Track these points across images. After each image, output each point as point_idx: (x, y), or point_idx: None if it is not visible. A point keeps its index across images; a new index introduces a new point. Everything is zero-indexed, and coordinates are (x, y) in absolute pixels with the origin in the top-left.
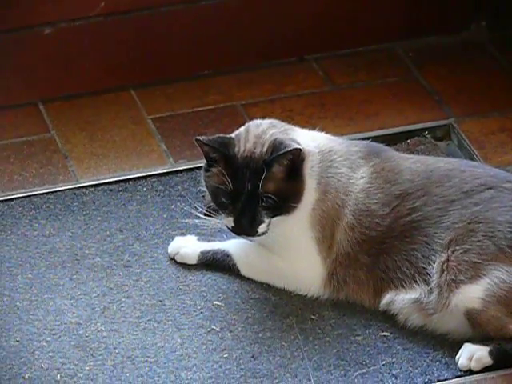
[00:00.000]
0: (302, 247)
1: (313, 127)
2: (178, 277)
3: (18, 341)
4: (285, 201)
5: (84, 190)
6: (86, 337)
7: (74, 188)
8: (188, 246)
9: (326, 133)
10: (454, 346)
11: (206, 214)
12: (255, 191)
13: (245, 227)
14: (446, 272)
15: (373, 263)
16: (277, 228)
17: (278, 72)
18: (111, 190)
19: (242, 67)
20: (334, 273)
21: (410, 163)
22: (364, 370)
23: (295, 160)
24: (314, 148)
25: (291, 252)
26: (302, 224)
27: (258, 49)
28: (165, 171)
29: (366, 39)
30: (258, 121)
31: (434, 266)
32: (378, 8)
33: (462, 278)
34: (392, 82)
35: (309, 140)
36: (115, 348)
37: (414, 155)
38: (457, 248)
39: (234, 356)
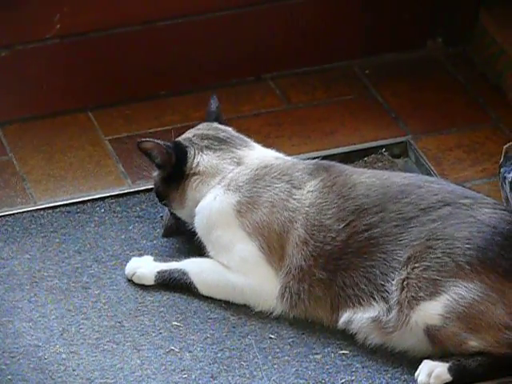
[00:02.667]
0: (247, 256)
1: (270, 146)
2: (137, 298)
3: None
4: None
5: (42, 212)
6: (45, 359)
7: (32, 210)
8: (144, 267)
9: (282, 152)
10: (414, 363)
11: (164, 235)
12: None
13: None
14: (406, 289)
15: (330, 279)
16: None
17: (234, 91)
18: (69, 212)
19: (198, 87)
20: (288, 286)
21: (365, 178)
22: None
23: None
24: (249, 163)
25: (238, 261)
26: (232, 231)
27: (215, 68)
28: (122, 192)
29: (323, 57)
30: (212, 124)
31: (393, 283)
32: (334, 26)
33: (422, 294)
34: (349, 100)
35: (253, 156)
36: (74, 370)
37: (368, 170)
38: (416, 265)
39: (194, 376)
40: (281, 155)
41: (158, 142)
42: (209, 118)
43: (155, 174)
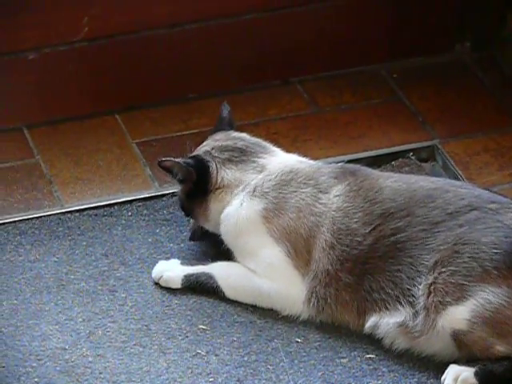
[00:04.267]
0: (273, 261)
1: (297, 150)
2: (164, 301)
3: (3, 367)
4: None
5: (69, 215)
6: (72, 362)
7: (59, 213)
8: (171, 270)
9: (309, 155)
10: (440, 367)
11: (191, 239)
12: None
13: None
14: (433, 294)
15: (356, 284)
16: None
17: (262, 95)
18: (96, 215)
19: (226, 90)
20: (314, 291)
21: (391, 182)
22: None
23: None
24: (272, 169)
25: (265, 267)
26: (259, 237)
27: (242, 72)
28: (150, 195)
29: (351, 61)
30: (229, 133)
31: (420, 287)
32: (362, 30)
33: (449, 299)
34: (376, 104)
35: (275, 162)
36: (101, 373)
37: (395, 174)
38: (443, 270)
39: (220, 380)
40: (304, 159)
41: (178, 160)
42: (221, 124)
43: (179, 189)
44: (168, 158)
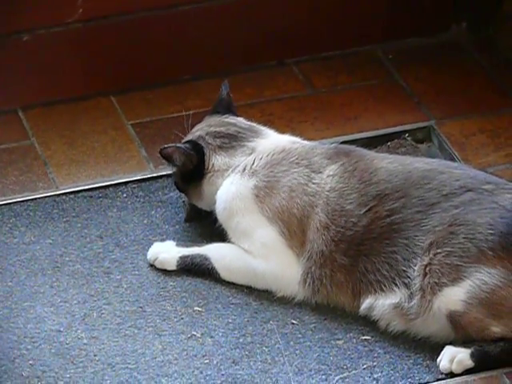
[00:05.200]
0: (267, 241)
1: (292, 131)
2: (159, 283)
3: None
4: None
5: (64, 196)
6: (67, 344)
7: (54, 195)
8: (166, 252)
9: (305, 137)
10: (436, 348)
11: (186, 220)
12: None
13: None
14: (428, 275)
15: (351, 265)
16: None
17: (257, 76)
18: (91, 197)
19: (221, 72)
20: (309, 272)
21: (387, 163)
22: (345, 374)
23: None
24: (262, 150)
25: (259, 247)
26: (252, 216)
27: (238, 53)
28: (145, 177)
29: (346, 42)
30: (223, 118)
31: (415, 269)
32: (357, 11)
33: (445, 280)
34: (372, 85)
35: (266, 143)
36: (96, 355)
37: (390, 155)
38: (438, 251)
39: (215, 362)
40: (298, 139)
41: (179, 145)
42: (220, 106)
43: (174, 170)
44: (170, 145)
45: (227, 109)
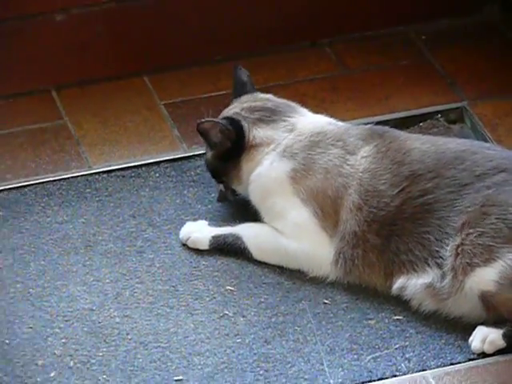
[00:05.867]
0: (300, 222)
1: (325, 111)
2: (191, 262)
3: (31, 327)
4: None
5: (97, 176)
6: (99, 323)
7: (87, 174)
8: (199, 231)
9: (337, 117)
10: (468, 329)
11: (219, 200)
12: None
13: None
14: (460, 255)
15: (383, 245)
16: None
17: (290, 56)
18: (124, 176)
19: (253, 52)
20: (342, 252)
21: (419, 144)
22: (377, 354)
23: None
24: (302, 129)
25: (292, 227)
26: (287, 197)
27: (270, 33)
28: (177, 157)
29: (379, 23)
30: (255, 95)
31: (448, 249)
32: None
33: (477, 261)
34: (404, 66)
35: (305, 121)
36: (128, 334)
37: (423, 135)
38: (471, 231)
39: (247, 341)
40: (333, 120)
41: (217, 120)
42: (244, 88)
43: (208, 155)
44: (207, 119)
45: (252, 90)
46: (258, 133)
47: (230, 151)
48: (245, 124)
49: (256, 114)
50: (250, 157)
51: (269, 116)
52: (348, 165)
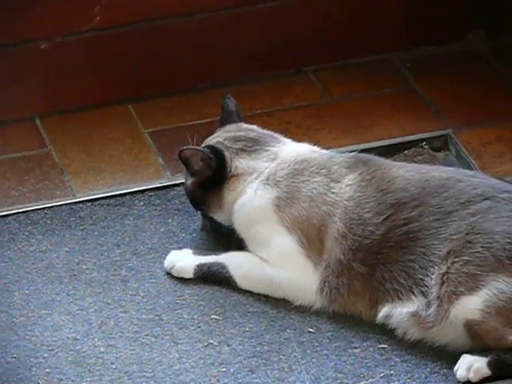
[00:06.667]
0: (285, 250)
1: (310, 139)
2: (176, 291)
3: (14, 357)
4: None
5: (81, 204)
6: (83, 352)
7: (71, 203)
8: (184, 260)
9: (322, 145)
10: (453, 357)
11: (202, 229)
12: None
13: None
14: (446, 284)
15: (368, 273)
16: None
17: (275, 84)
18: (108, 205)
19: (239, 80)
20: (327, 280)
21: (404, 172)
22: (362, 383)
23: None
24: (285, 157)
25: (277, 256)
26: (271, 226)
27: (256, 61)
28: (162, 185)
29: (364, 50)
30: (239, 125)
31: (433, 277)
32: (375, 19)
33: (462, 289)
34: (389, 93)
35: (288, 150)
36: (112, 363)
37: (407, 164)
38: (456, 260)
39: (232, 370)
40: (316, 148)
41: (199, 148)
42: (231, 118)
43: (188, 182)
44: (189, 147)
45: (238, 119)
46: (239, 163)
47: (211, 180)
48: (227, 154)
49: (238, 143)
50: (231, 186)
51: (251, 146)
52: (333, 193)
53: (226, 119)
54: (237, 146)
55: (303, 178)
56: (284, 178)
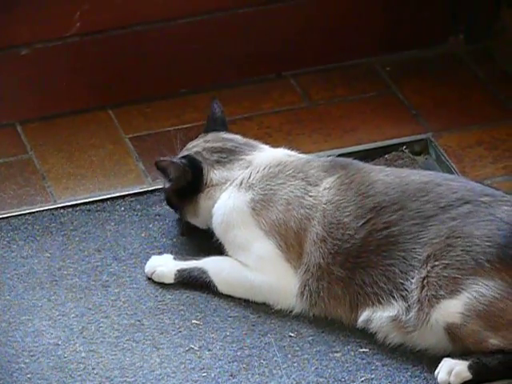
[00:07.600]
0: (264, 255)
1: (290, 144)
2: (157, 296)
3: None
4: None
5: (62, 210)
6: (65, 358)
7: (52, 209)
8: (164, 265)
9: (302, 149)
10: (434, 361)
11: (182, 234)
12: None
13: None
14: (426, 288)
15: (348, 277)
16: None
17: (255, 89)
18: (89, 210)
19: (219, 85)
20: (307, 284)
21: (383, 176)
22: None
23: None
24: (259, 163)
25: (256, 260)
26: (249, 229)
27: (235, 66)
28: (142, 190)
29: (344, 54)
30: (220, 134)
31: (413, 281)
32: (354, 23)
33: (442, 293)
34: (369, 97)
35: (263, 156)
36: (94, 369)
37: (387, 167)
38: (436, 263)
39: (213, 375)
40: (293, 153)
41: (175, 160)
42: (215, 125)
43: (166, 186)
44: (165, 158)
45: (222, 126)
46: (214, 175)
47: (186, 189)
48: (205, 166)
49: (214, 155)
50: (207, 195)
51: (226, 157)
52: (310, 196)
53: (210, 125)
54: (213, 157)
55: (279, 181)
56: (258, 181)
